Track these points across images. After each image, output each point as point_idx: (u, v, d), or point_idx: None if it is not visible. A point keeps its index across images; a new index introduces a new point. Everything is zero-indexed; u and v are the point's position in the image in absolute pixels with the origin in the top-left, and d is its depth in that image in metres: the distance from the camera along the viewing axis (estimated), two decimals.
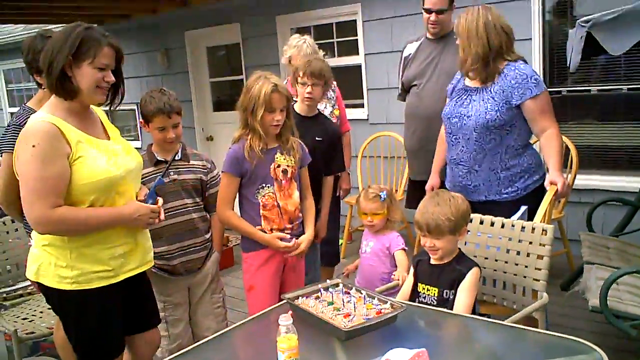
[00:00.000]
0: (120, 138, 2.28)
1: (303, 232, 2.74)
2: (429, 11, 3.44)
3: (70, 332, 2.23)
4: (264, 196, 2.61)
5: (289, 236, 2.65)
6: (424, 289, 2.31)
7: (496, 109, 2.71)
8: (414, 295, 2.34)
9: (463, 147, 2.84)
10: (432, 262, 2.32)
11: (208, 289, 2.82)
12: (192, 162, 2.73)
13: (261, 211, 2.61)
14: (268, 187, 2.61)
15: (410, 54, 3.68)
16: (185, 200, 2.67)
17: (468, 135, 2.80)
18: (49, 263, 2.09)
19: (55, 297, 2.16)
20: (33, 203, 1.95)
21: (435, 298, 2.25)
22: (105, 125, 2.26)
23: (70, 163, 2.00)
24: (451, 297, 2.22)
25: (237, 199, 2.71)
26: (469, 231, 2.56)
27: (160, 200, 2.27)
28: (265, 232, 2.62)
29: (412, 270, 2.41)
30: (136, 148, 2.37)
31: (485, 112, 2.73)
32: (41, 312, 3.16)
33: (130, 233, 2.20)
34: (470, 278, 2.21)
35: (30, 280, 2.22)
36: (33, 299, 3.35)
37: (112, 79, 2.09)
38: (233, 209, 2.66)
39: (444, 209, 2.22)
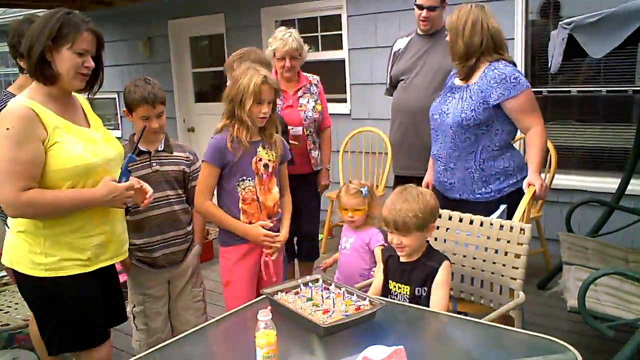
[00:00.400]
0: (101, 127, 2.26)
1: (279, 230, 2.70)
2: (420, 7, 3.45)
3: (43, 322, 2.20)
4: (244, 189, 2.57)
5: (271, 224, 2.63)
6: (395, 287, 2.29)
7: (472, 108, 2.73)
8: (385, 292, 2.32)
9: (441, 144, 2.87)
10: (402, 258, 2.29)
11: (189, 282, 2.80)
12: (175, 153, 2.71)
13: (240, 204, 2.58)
14: (249, 180, 2.58)
15: (400, 49, 3.69)
16: (167, 192, 2.65)
17: (446, 132, 2.83)
18: (23, 249, 2.07)
19: (29, 285, 2.14)
20: (3, 185, 1.94)
21: (408, 296, 2.24)
22: (86, 112, 2.23)
23: (46, 148, 1.98)
24: (423, 294, 2.21)
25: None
26: (448, 229, 2.59)
27: (139, 182, 2.23)
28: None
29: (381, 265, 2.39)
30: (116, 137, 2.34)
31: (462, 111, 2.75)
32: (17, 304, 3.12)
33: (107, 222, 2.18)
34: (443, 273, 2.20)
35: (5, 268, 2.19)
36: (8, 290, 3.31)
37: (92, 64, 2.07)
38: (212, 200, 2.63)
39: (412, 205, 2.17)
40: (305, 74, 3.64)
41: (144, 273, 2.66)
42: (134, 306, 2.69)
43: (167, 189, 2.65)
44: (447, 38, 2.83)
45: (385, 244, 2.87)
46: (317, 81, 3.66)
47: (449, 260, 2.26)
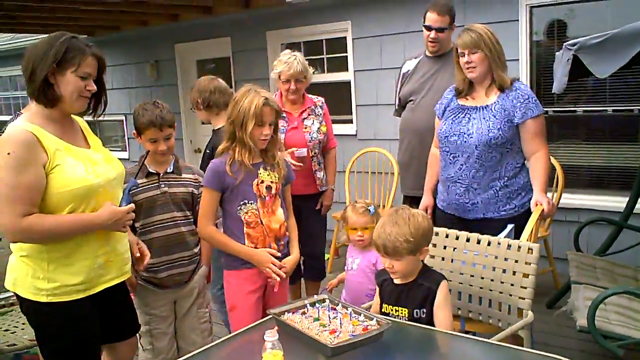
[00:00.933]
0: (101, 147, 2.27)
1: (289, 253, 2.67)
2: (429, 28, 3.47)
3: (43, 345, 2.20)
4: (246, 213, 2.52)
5: (279, 254, 2.58)
6: (392, 310, 2.21)
7: (498, 127, 2.75)
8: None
9: (462, 165, 2.85)
10: (396, 280, 2.22)
11: (195, 303, 2.79)
12: (183, 175, 2.72)
13: (245, 229, 2.54)
14: (251, 203, 2.53)
15: (408, 70, 3.71)
16: (175, 214, 2.65)
17: (469, 153, 2.82)
18: (25, 274, 2.07)
19: (30, 309, 2.14)
20: (2, 210, 1.95)
21: (406, 319, 2.17)
22: (86, 134, 2.25)
23: (47, 172, 1.99)
24: (422, 315, 2.15)
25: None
26: (455, 248, 2.57)
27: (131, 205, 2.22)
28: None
29: (377, 289, 2.33)
30: (123, 159, 2.36)
31: (488, 130, 2.76)
32: (23, 324, 3.11)
33: (109, 242, 2.18)
34: (442, 294, 2.14)
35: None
36: (15, 310, 3.30)
37: (94, 87, 2.10)
38: (215, 225, 2.60)
39: (403, 229, 2.09)
40: (310, 95, 3.67)
41: (149, 293, 2.66)
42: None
43: (175, 210, 2.66)
44: (473, 56, 2.77)
45: None
46: (322, 103, 3.69)
47: (445, 278, 2.20)
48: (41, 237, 2.01)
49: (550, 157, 4.03)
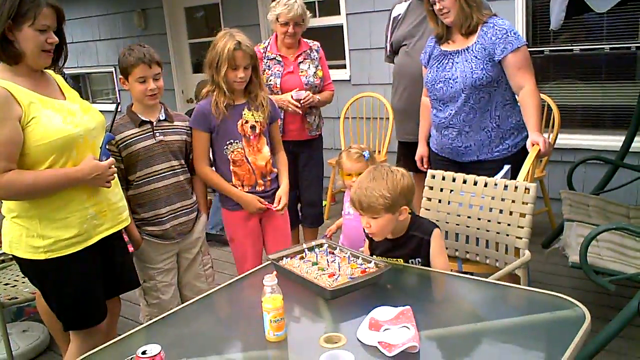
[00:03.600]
0: (78, 99, 2.21)
1: (277, 187, 2.82)
2: None
3: (51, 302, 2.22)
4: (232, 152, 2.67)
5: (267, 203, 2.74)
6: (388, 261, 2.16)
7: (481, 67, 2.72)
8: None
9: (451, 110, 2.83)
10: (388, 236, 2.14)
11: (199, 252, 2.79)
12: (176, 122, 2.67)
13: (231, 167, 2.68)
14: (236, 142, 2.67)
15: (399, 15, 3.63)
16: (172, 162, 2.61)
17: (456, 97, 2.79)
18: (19, 234, 2.06)
19: (30, 269, 2.15)
20: None
21: None
22: (61, 86, 2.18)
23: (24, 125, 1.93)
24: (418, 264, 2.13)
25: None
26: (452, 190, 2.57)
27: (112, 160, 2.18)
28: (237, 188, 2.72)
29: (366, 243, 2.29)
30: (112, 112, 2.31)
31: (472, 72, 2.73)
32: (23, 277, 3.12)
33: (99, 192, 2.15)
34: (437, 242, 2.11)
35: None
36: (14, 264, 3.32)
37: (55, 39, 2.01)
38: (210, 165, 2.72)
39: (379, 184, 2.01)
40: (305, 40, 3.59)
41: (155, 246, 2.63)
42: (144, 281, 2.67)
43: (172, 159, 2.61)
44: (443, 2, 2.72)
45: None
46: (318, 47, 3.61)
47: (438, 226, 2.16)
48: (21, 193, 1.97)
49: (547, 96, 4.05)
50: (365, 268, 1.99)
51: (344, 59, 5.50)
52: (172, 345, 1.63)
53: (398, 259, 2.15)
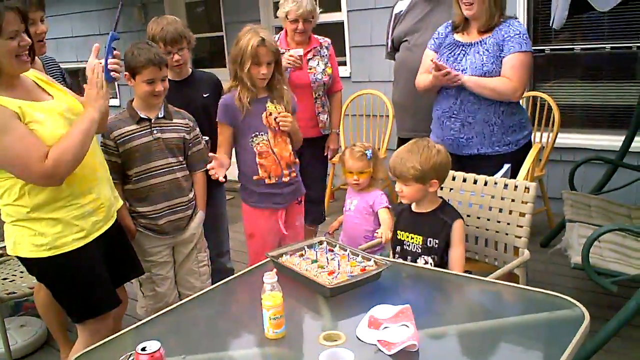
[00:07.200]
0: (65, 96, 2.16)
1: (299, 179, 2.88)
2: None
3: (62, 296, 2.22)
4: (258, 144, 2.69)
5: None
6: (407, 237, 2.34)
7: (492, 61, 2.77)
8: (397, 243, 2.37)
9: (457, 100, 2.85)
10: (414, 209, 2.35)
11: (194, 248, 2.80)
12: (174, 120, 2.67)
13: (257, 159, 2.69)
14: (262, 135, 2.68)
15: (401, 11, 3.61)
16: (169, 159, 2.62)
17: (463, 88, 2.82)
18: (22, 234, 2.06)
19: (36, 268, 2.15)
20: (26, 165, 1.90)
21: (420, 246, 2.29)
22: (42, 85, 2.13)
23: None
24: (435, 245, 2.25)
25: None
26: (451, 188, 2.58)
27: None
28: (264, 181, 2.72)
29: (390, 220, 2.49)
30: (114, 106, 2.30)
31: (482, 65, 2.78)
32: (22, 272, 3.13)
33: (93, 189, 2.14)
34: (458, 231, 2.26)
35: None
36: (13, 259, 3.31)
37: (28, 40, 1.96)
38: (230, 157, 2.74)
39: (414, 156, 2.23)
40: (316, 36, 3.57)
41: (148, 239, 2.65)
42: None
43: (169, 156, 2.62)
44: None
45: (389, 206, 2.87)
46: (329, 44, 3.59)
47: (462, 218, 2.29)
48: (68, 160, 1.95)
49: (547, 95, 4.05)
50: (365, 266, 1.99)
51: (345, 55, 5.48)
52: (171, 341, 1.62)
53: (420, 236, 2.29)
